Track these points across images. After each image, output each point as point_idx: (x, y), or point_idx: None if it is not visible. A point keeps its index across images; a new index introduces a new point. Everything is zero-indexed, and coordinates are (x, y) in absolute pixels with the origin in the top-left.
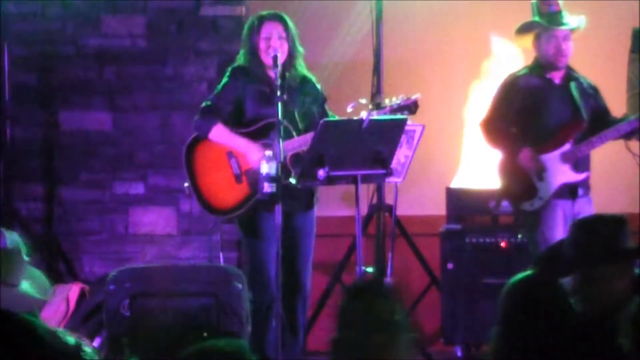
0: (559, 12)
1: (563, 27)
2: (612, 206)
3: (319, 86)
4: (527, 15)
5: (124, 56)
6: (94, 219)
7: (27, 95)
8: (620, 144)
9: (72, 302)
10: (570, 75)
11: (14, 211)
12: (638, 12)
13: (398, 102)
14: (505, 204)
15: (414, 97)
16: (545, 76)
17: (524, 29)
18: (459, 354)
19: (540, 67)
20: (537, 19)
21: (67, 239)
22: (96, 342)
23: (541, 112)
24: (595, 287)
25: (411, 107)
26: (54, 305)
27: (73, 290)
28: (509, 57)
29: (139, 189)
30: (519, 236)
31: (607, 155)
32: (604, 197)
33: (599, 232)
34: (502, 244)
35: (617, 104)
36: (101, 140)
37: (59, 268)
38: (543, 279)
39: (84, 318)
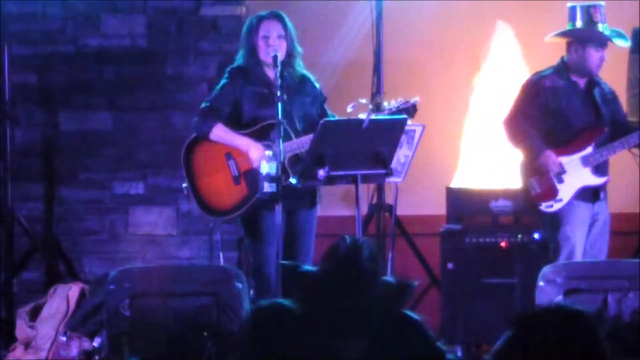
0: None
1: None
2: (612, 206)
3: (318, 85)
4: (529, 15)
5: (124, 56)
6: (94, 219)
7: (27, 95)
8: None
9: (72, 302)
10: (593, 80)
11: (14, 211)
12: (638, 12)
13: (397, 105)
14: (504, 203)
15: (412, 100)
16: (571, 79)
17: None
18: (459, 354)
19: (568, 69)
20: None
21: (67, 239)
22: (96, 342)
23: (565, 114)
24: None
25: (410, 110)
26: (54, 305)
27: (73, 290)
28: (510, 56)
29: (139, 189)
30: (519, 236)
31: None
32: None
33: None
34: (502, 244)
35: None
36: (101, 140)
37: (59, 268)
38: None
39: (84, 318)
